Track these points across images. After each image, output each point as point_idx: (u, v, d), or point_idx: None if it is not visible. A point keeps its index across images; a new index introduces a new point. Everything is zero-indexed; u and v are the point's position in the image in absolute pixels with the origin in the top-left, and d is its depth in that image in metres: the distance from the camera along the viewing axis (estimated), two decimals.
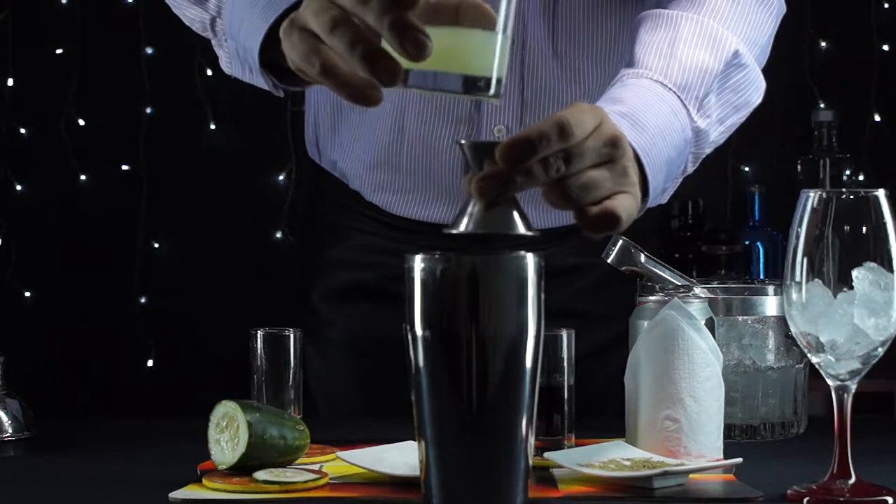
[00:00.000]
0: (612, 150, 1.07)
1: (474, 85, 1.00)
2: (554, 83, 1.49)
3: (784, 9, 1.45)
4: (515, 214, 1.01)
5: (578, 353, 1.29)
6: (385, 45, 0.98)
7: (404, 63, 0.98)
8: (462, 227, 1.01)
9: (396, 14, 0.96)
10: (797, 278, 1.07)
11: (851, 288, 1.05)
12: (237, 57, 1.29)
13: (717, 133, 1.35)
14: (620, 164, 1.08)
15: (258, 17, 1.21)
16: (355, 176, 1.58)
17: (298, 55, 1.05)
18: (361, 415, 1.56)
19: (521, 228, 1.01)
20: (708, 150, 1.36)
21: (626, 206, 1.08)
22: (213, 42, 1.40)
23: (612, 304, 1.53)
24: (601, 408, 1.44)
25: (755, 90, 1.39)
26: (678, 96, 1.29)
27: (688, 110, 1.29)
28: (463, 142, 1.02)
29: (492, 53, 1.00)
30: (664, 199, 1.35)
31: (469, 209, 1.01)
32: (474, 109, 1.49)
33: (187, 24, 1.42)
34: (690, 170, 1.36)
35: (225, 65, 1.37)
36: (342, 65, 1.02)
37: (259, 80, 1.27)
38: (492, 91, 1.01)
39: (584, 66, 1.49)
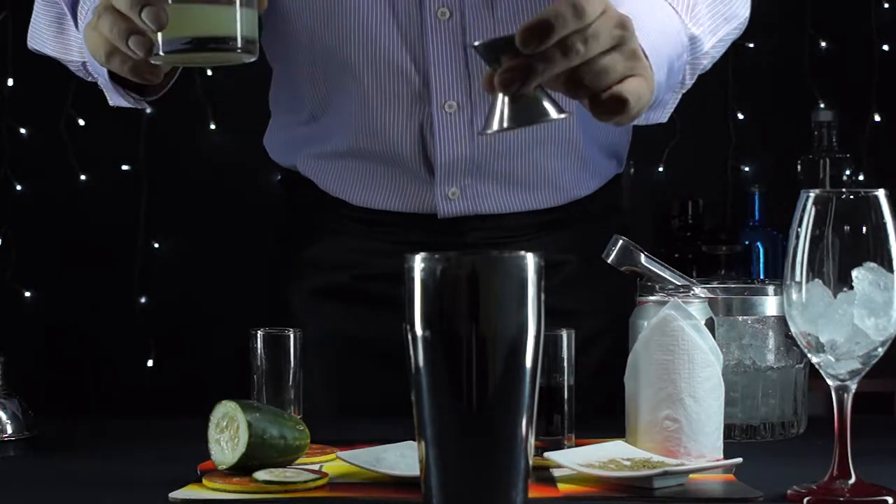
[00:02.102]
0: (623, 32, 1.11)
1: (216, 44, 1.09)
2: None
3: None
4: (545, 101, 1.02)
5: None
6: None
7: (155, 37, 1.12)
8: (495, 126, 1.02)
9: None
10: (797, 278, 1.07)
11: (851, 288, 1.05)
12: (109, 88, 1.40)
13: (710, 44, 1.39)
14: (629, 47, 1.12)
15: None
16: (319, 173, 1.58)
17: (91, 49, 1.21)
18: (361, 415, 1.56)
19: (553, 114, 1.03)
20: (705, 63, 1.39)
21: (635, 88, 1.11)
22: (99, 82, 1.47)
23: (590, 301, 1.53)
24: (586, 406, 1.43)
25: (742, 3, 1.44)
26: (669, 3, 1.33)
27: (680, 17, 1.33)
28: (476, 44, 1.04)
29: (229, 16, 1.09)
30: (664, 117, 1.39)
31: (497, 107, 1.02)
32: (423, 88, 1.49)
33: (82, 76, 1.54)
34: (689, 83, 1.39)
35: (109, 99, 1.46)
36: (120, 48, 1.16)
37: (129, 101, 1.40)
38: (237, 47, 1.10)
39: None
